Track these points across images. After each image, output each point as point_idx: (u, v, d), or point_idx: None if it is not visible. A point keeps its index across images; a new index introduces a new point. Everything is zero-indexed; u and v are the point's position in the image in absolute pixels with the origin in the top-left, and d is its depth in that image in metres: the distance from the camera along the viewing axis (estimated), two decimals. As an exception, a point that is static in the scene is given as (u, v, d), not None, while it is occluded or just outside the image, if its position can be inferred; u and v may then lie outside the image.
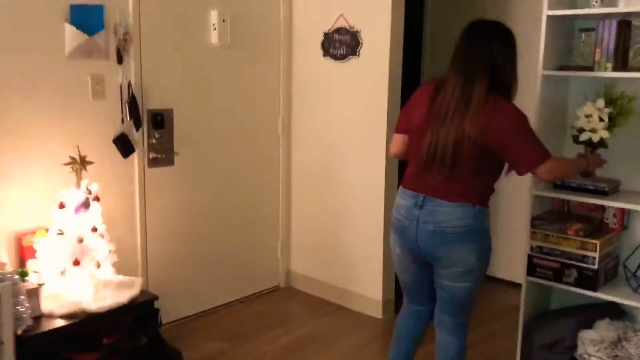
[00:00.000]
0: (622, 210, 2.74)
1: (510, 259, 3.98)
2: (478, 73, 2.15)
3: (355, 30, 3.49)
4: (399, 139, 2.43)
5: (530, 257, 2.81)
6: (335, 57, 3.61)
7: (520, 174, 2.24)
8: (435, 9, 4.50)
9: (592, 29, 2.71)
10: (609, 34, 2.59)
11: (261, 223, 3.90)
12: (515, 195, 3.75)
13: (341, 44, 3.57)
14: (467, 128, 2.12)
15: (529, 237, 2.81)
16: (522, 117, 2.17)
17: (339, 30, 3.57)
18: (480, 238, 2.23)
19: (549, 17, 2.67)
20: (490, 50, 2.17)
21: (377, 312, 3.60)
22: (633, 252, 2.73)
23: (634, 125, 2.71)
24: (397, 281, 2.68)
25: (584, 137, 2.66)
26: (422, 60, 4.57)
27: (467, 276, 2.24)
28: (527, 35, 2.88)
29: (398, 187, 2.41)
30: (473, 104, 2.13)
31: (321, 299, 3.86)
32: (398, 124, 2.45)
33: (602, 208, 2.78)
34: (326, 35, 3.64)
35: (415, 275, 2.41)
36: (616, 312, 2.80)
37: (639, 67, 2.62)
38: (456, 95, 2.16)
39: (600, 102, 2.64)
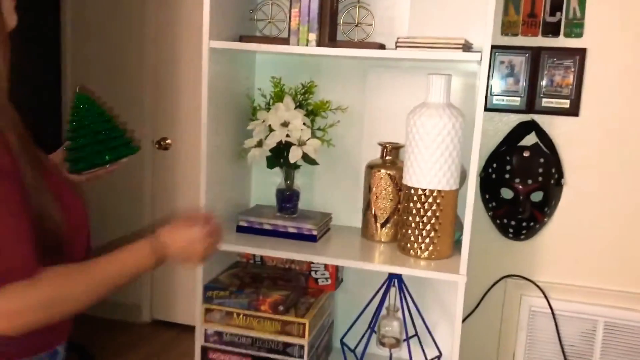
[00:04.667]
0: (336, 260, 1.83)
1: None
2: None
3: None
4: None
5: (205, 351, 1.73)
6: None
7: None
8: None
9: (285, -20, 1.70)
10: (310, -11, 1.60)
11: None
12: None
13: None
14: None
15: (203, 318, 1.71)
16: None
17: None
18: None
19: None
20: None
21: None
22: (354, 323, 1.84)
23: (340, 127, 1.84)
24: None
25: (294, 155, 1.63)
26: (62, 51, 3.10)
27: None
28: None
29: None
30: None
31: None
32: None
33: (309, 258, 1.83)
34: None
35: None
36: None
37: (351, 40, 1.71)
38: None
39: (290, 104, 1.66)
